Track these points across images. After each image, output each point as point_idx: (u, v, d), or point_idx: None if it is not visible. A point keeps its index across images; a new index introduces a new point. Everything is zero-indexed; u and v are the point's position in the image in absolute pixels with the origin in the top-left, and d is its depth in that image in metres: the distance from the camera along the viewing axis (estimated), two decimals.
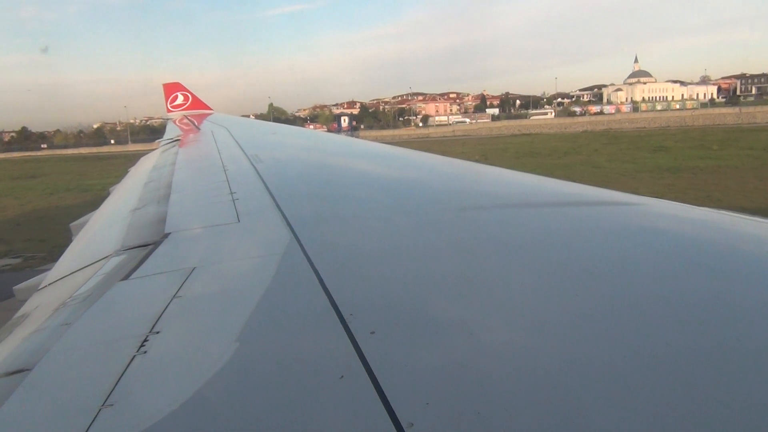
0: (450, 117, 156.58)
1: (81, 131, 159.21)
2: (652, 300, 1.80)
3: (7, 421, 1.47)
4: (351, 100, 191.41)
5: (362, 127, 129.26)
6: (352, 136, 59.97)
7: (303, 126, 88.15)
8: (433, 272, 2.21)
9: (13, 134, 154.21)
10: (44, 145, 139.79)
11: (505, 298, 1.89)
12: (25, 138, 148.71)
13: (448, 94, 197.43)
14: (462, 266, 2.25)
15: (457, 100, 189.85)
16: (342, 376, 1.40)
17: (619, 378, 1.33)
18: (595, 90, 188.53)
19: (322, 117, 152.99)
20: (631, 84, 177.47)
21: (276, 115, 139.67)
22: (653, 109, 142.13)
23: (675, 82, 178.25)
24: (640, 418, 1.17)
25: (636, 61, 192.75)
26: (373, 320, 1.71)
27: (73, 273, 3.20)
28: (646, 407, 1.21)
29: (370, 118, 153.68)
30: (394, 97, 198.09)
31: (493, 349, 1.52)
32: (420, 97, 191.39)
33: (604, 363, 1.41)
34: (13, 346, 2.12)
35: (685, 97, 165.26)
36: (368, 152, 7.11)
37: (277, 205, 3.41)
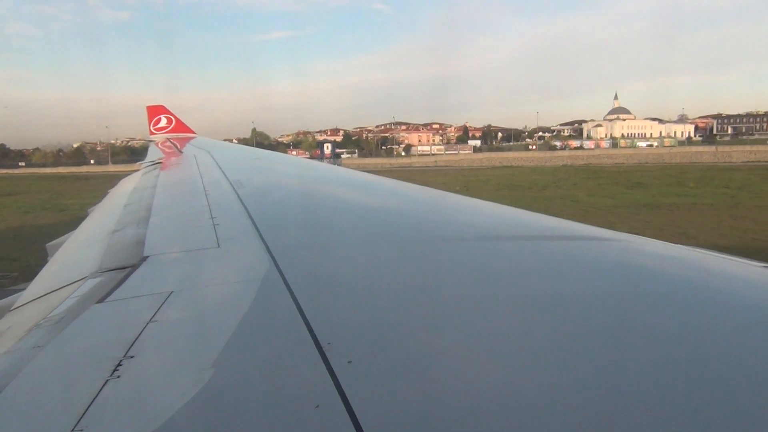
0: (433, 147, 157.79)
1: (60, 150, 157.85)
2: (625, 336, 1.82)
3: None
4: (335, 127, 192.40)
5: (345, 154, 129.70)
6: (334, 163, 60.13)
7: (286, 152, 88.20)
8: (413, 303, 2.22)
9: None
10: (22, 163, 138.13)
11: (483, 331, 1.90)
12: (3, 155, 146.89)
13: (431, 124, 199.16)
14: (441, 298, 2.26)
15: (440, 131, 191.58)
16: (317, 406, 1.39)
17: (593, 412, 1.35)
18: (576, 125, 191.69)
19: (305, 143, 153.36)
20: (610, 120, 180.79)
21: (259, 140, 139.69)
22: (632, 146, 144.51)
23: (654, 119, 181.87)
24: None
25: (616, 98, 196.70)
26: (351, 349, 1.71)
27: (47, 294, 3.15)
28: None
29: (353, 145, 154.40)
30: (377, 126, 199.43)
31: (471, 383, 1.52)
32: (403, 127, 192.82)
33: (582, 398, 1.42)
34: None
35: (663, 134, 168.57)
36: (350, 181, 7.14)
37: (258, 231, 3.40)
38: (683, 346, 1.74)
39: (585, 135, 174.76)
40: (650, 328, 1.90)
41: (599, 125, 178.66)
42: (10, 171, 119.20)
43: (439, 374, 1.56)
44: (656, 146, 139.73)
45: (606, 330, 1.88)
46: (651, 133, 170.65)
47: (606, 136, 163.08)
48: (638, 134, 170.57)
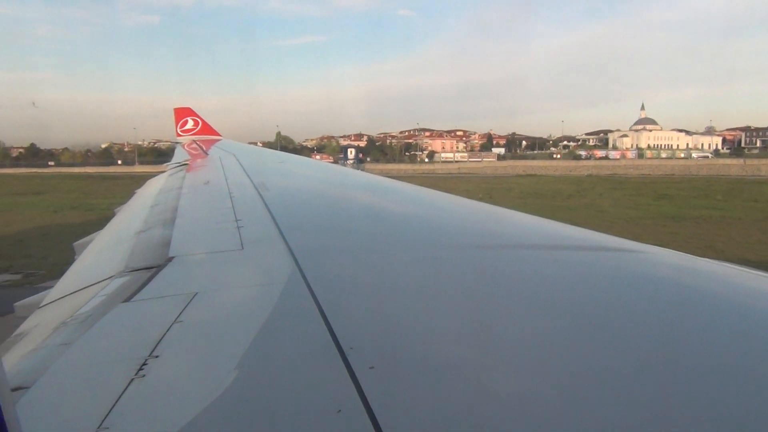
0: (456, 154, 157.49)
1: (89, 150, 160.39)
2: (648, 350, 1.80)
3: None
4: (359, 132, 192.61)
5: (368, 159, 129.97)
6: (358, 168, 60.26)
7: (310, 156, 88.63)
8: (435, 310, 2.22)
9: (22, 150, 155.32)
10: (51, 163, 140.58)
11: (505, 340, 1.89)
12: (33, 155, 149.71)
13: (455, 131, 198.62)
14: (463, 306, 2.25)
15: (464, 138, 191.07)
16: (339, 411, 1.40)
17: (616, 424, 1.33)
18: (601, 135, 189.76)
19: (329, 148, 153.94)
20: (636, 131, 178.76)
21: (284, 144, 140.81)
22: (658, 157, 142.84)
23: (680, 131, 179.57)
24: None
25: (642, 108, 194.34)
26: (373, 355, 1.71)
27: (74, 292, 3.20)
28: None
29: (377, 151, 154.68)
30: (401, 132, 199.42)
31: (492, 393, 1.51)
32: (427, 133, 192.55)
33: (602, 412, 1.40)
34: (11, 363, 2.12)
35: (690, 146, 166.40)
36: (374, 186, 7.15)
37: (282, 234, 3.42)
38: (707, 362, 1.71)
39: (611, 145, 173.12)
40: (674, 342, 1.87)
41: (625, 135, 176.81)
42: (40, 170, 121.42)
43: (460, 382, 1.55)
44: (683, 157, 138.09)
45: (628, 343, 1.86)
46: (677, 145, 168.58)
47: (632, 147, 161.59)
48: (664, 145, 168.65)
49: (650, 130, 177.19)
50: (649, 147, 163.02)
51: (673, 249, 3.42)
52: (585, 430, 1.31)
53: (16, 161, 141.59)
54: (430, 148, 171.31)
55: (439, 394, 1.49)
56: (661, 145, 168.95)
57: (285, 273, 2.63)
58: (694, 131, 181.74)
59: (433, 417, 1.37)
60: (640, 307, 2.23)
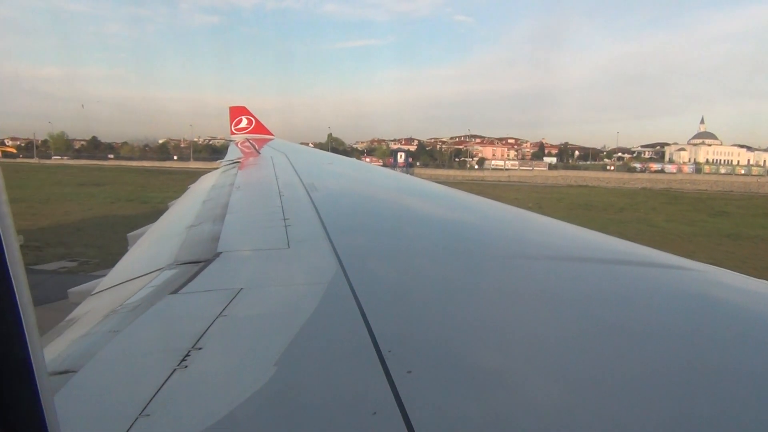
0: (507, 162, 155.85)
1: (147, 145, 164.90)
2: (696, 370, 1.75)
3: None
4: (409, 136, 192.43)
5: (418, 164, 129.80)
6: (407, 172, 60.26)
7: (360, 158, 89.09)
8: (476, 319, 2.20)
9: (84, 142, 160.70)
10: (111, 156, 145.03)
11: (546, 352, 1.87)
12: (95, 147, 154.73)
13: (506, 138, 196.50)
14: (506, 316, 2.23)
15: (515, 146, 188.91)
16: (375, 413, 1.40)
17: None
18: (658, 148, 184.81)
19: (379, 151, 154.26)
20: (695, 145, 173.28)
21: (334, 146, 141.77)
22: (717, 172, 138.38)
23: (741, 146, 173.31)
24: None
25: (702, 122, 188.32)
26: (411, 360, 1.71)
27: (126, 282, 3.30)
28: None
29: (427, 155, 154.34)
30: (451, 138, 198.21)
31: (528, 404, 1.49)
32: (478, 140, 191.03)
33: (644, 418, 1.37)
34: (62, 347, 2.19)
35: (751, 162, 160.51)
36: (422, 191, 7.14)
37: (328, 235, 3.45)
38: (758, 385, 1.65)
39: (667, 158, 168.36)
40: (724, 362, 1.82)
41: (682, 149, 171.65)
42: (100, 162, 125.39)
43: (496, 392, 1.54)
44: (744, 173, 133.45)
45: (675, 362, 1.81)
46: (738, 161, 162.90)
47: (689, 161, 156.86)
48: (724, 161, 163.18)
49: (709, 145, 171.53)
50: (707, 162, 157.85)
51: (727, 269, 3.31)
52: None
53: (78, 153, 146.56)
54: (480, 154, 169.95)
55: (474, 402, 1.48)
56: (720, 160, 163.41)
57: (329, 274, 2.66)
58: (756, 147, 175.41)
59: (466, 424, 1.37)
60: (690, 326, 2.17)
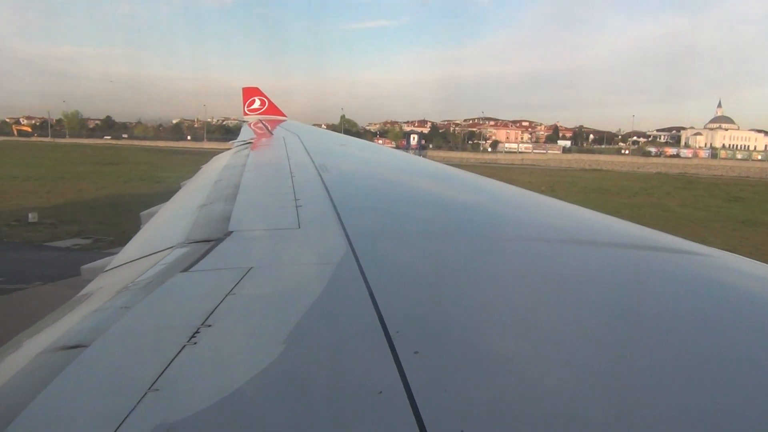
0: (520, 145, 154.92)
1: (161, 125, 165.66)
2: (705, 356, 1.74)
3: (59, 391, 1.55)
4: (422, 118, 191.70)
5: (431, 146, 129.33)
6: (420, 154, 60.09)
7: (372, 140, 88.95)
8: (486, 301, 2.20)
9: (98, 122, 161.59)
10: (125, 135, 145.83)
11: (555, 337, 1.86)
12: (109, 126, 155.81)
13: (520, 121, 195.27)
14: (515, 298, 2.23)
15: (529, 129, 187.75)
16: (381, 392, 1.41)
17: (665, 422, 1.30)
18: (673, 132, 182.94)
19: (392, 133, 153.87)
20: (711, 129, 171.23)
21: (347, 127, 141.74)
22: (733, 157, 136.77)
23: (759, 131, 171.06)
24: None
25: (719, 105, 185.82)
26: (419, 341, 1.71)
27: (138, 259, 3.32)
28: None
29: (440, 138, 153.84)
30: (465, 120, 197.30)
31: (536, 387, 1.49)
32: (491, 122, 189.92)
33: (657, 412, 1.37)
34: (73, 322, 2.22)
35: None
36: (435, 174, 7.12)
37: (338, 216, 3.45)
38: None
39: (683, 143, 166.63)
40: (738, 350, 1.81)
41: (699, 133, 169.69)
42: (114, 142, 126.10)
43: (502, 375, 1.54)
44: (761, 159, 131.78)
45: (685, 347, 1.80)
46: (755, 146, 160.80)
47: (705, 146, 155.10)
48: (741, 146, 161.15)
49: (726, 129, 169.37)
50: (723, 147, 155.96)
51: (741, 254, 3.28)
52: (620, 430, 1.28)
53: (93, 132, 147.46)
54: (493, 137, 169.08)
55: (480, 384, 1.48)
56: (736, 145, 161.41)
57: (338, 254, 2.66)
58: None
59: (472, 405, 1.37)
60: (700, 312, 2.16)
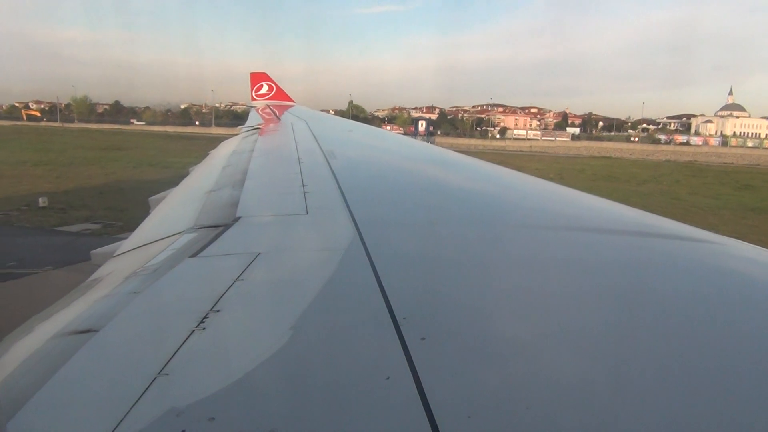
0: (529, 132, 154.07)
1: (169, 110, 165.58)
2: (714, 342, 1.74)
3: (69, 376, 1.57)
4: (430, 104, 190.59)
5: (439, 133, 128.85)
6: (428, 141, 59.90)
7: (380, 126, 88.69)
8: (491, 287, 2.21)
9: (107, 107, 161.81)
10: (133, 120, 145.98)
11: (561, 322, 1.87)
12: (117, 111, 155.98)
13: (529, 108, 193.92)
14: (521, 285, 2.23)
15: (538, 116, 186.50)
16: (388, 377, 1.42)
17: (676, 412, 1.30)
18: (684, 119, 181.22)
19: (399, 119, 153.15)
20: (722, 117, 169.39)
21: (355, 113, 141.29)
22: (744, 145, 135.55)
23: None
24: None
25: (730, 93, 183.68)
26: (426, 326, 1.72)
27: (147, 244, 3.34)
28: None
29: (448, 124, 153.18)
30: (473, 106, 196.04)
31: (542, 372, 1.50)
32: (500, 109, 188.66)
33: (657, 395, 1.37)
34: (84, 306, 2.24)
35: None
36: (442, 160, 7.10)
37: (346, 203, 3.46)
38: None
39: (693, 130, 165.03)
40: (745, 338, 1.80)
41: (709, 121, 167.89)
42: (123, 127, 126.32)
43: (511, 363, 1.55)
44: None
45: (693, 334, 1.80)
46: (766, 134, 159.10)
47: (716, 134, 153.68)
48: (752, 134, 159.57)
49: (737, 117, 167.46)
50: (734, 134, 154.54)
51: (751, 242, 3.26)
52: (651, 422, 1.28)
53: (101, 117, 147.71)
54: (502, 124, 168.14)
55: (487, 369, 1.49)
56: (748, 133, 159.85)
57: (346, 240, 2.67)
58: None
59: (480, 394, 1.38)
60: (707, 300, 2.15)
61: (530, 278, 2.32)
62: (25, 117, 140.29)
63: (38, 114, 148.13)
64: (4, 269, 17.80)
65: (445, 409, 1.28)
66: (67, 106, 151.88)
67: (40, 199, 28.34)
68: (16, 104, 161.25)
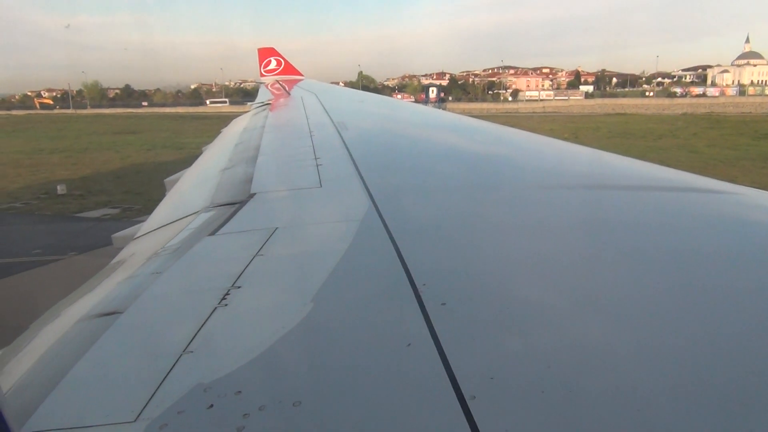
0: (541, 92, 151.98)
1: (179, 91, 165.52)
2: (736, 295, 1.73)
3: (98, 357, 1.60)
4: (441, 71, 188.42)
5: (450, 98, 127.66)
6: (439, 107, 59.40)
7: (391, 95, 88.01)
8: (509, 250, 2.21)
9: (117, 91, 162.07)
10: (145, 103, 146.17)
11: (581, 282, 1.87)
12: (128, 95, 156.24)
13: (540, 68, 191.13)
14: (539, 246, 2.23)
15: (550, 76, 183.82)
16: (409, 344, 1.43)
17: (702, 369, 1.30)
18: (699, 71, 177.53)
19: (410, 87, 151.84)
20: (739, 66, 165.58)
21: (365, 84, 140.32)
22: (762, 93, 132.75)
23: None
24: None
25: (747, 41, 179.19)
26: (446, 292, 1.73)
27: (165, 225, 3.38)
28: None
29: (459, 90, 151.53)
30: (484, 70, 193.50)
31: (562, 332, 1.51)
32: (511, 71, 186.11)
33: (679, 355, 1.37)
34: (108, 289, 2.28)
35: None
36: (454, 125, 7.05)
37: (359, 173, 3.46)
38: None
39: (709, 82, 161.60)
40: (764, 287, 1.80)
41: (726, 71, 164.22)
42: (134, 110, 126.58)
43: (530, 324, 1.56)
44: None
45: (715, 287, 1.79)
46: None
47: (733, 84, 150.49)
48: None
49: (755, 65, 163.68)
50: (752, 83, 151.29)
51: None
52: (659, 377, 1.29)
53: (113, 102, 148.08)
54: (514, 86, 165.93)
55: (508, 334, 1.50)
56: (766, 81, 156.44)
57: (362, 211, 2.68)
58: None
59: (501, 356, 1.39)
60: (731, 251, 2.14)
61: (549, 239, 2.31)
62: (38, 105, 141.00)
63: (51, 102, 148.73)
64: (30, 257, 18.14)
65: (467, 373, 1.29)
66: (79, 92, 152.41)
67: (59, 187, 28.67)
68: (29, 93, 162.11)
